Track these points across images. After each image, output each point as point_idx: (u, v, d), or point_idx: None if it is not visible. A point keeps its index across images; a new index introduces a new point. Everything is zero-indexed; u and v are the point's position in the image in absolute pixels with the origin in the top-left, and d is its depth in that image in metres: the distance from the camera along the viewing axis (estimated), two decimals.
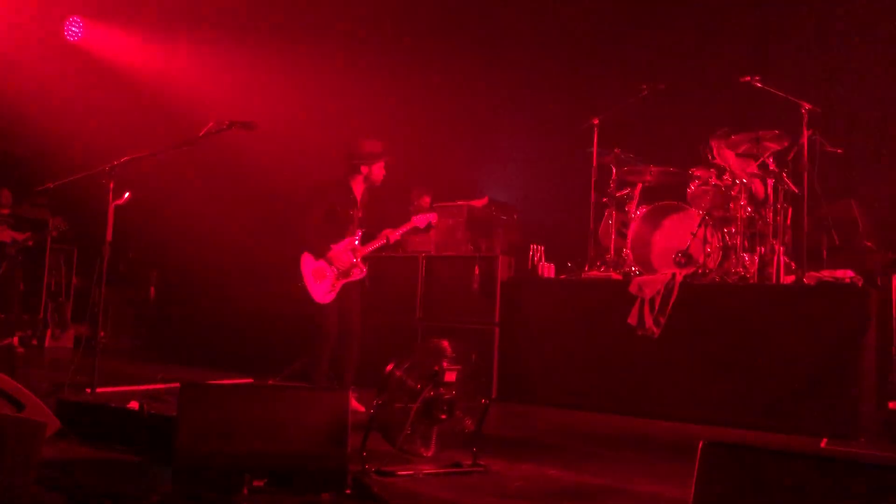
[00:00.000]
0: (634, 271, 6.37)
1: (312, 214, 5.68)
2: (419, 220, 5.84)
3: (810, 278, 5.70)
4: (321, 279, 5.59)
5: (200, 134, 5.17)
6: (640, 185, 6.87)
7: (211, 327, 8.87)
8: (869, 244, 6.29)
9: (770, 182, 6.25)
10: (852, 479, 2.40)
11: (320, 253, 5.58)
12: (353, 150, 5.77)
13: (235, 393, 3.58)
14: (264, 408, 3.45)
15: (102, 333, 9.13)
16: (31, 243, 8.71)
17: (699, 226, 6.13)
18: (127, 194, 5.26)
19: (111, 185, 5.18)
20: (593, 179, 6.95)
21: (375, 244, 5.76)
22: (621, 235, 6.73)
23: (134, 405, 4.27)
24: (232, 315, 8.66)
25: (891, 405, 5.25)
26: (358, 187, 5.79)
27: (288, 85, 8.83)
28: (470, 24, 8.88)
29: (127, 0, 9.08)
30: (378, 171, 5.77)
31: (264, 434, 3.38)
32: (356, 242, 5.73)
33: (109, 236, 5.21)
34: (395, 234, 5.80)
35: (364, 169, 5.72)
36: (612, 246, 6.77)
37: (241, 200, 9.03)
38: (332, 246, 5.61)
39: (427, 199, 7.67)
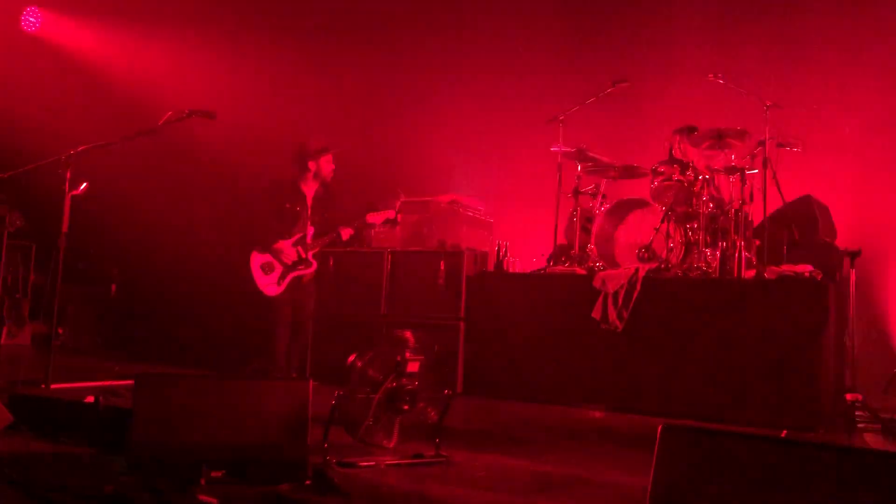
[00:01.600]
0: (598, 266, 6.40)
1: (261, 212, 5.97)
2: (373, 217, 6.09)
3: (771, 273, 5.78)
4: (269, 272, 5.80)
5: (160, 123, 5.10)
6: (604, 181, 6.90)
7: (173, 324, 8.75)
8: (827, 239, 6.39)
9: (732, 178, 6.32)
10: (810, 459, 2.43)
11: (266, 247, 5.76)
12: (300, 149, 6.00)
13: (192, 383, 3.51)
14: (222, 398, 3.40)
15: (61, 330, 8.98)
16: None
17: (662, 221, 6.18)
18: (84, 185, 5.17)
19: (68, 175, 5.09)
20: (558, 175, 6.98)
21: (326, 239, 5.98)
22: (585, 231, 6.76)
23: (90, 400, 4.19)
24: (194, 311, 8.56)
25: (848, 397, 5.35)
26: (308, 186, 6.04)
27: (250, 76, 8.75)
28: (435, 20, 8.87)
29: None
30: (325, 165, 6.02)
31: (222, 425, 3.33)
32: (305, 238, 5.88)
33: (66, 227, 5.11)
34: (346, 230, 6.03)
35: (312, 165, 5.98)
36: (576, 241, 6.80)
37: (203, 194, 8.92)
38: (278, 241, 5.80)
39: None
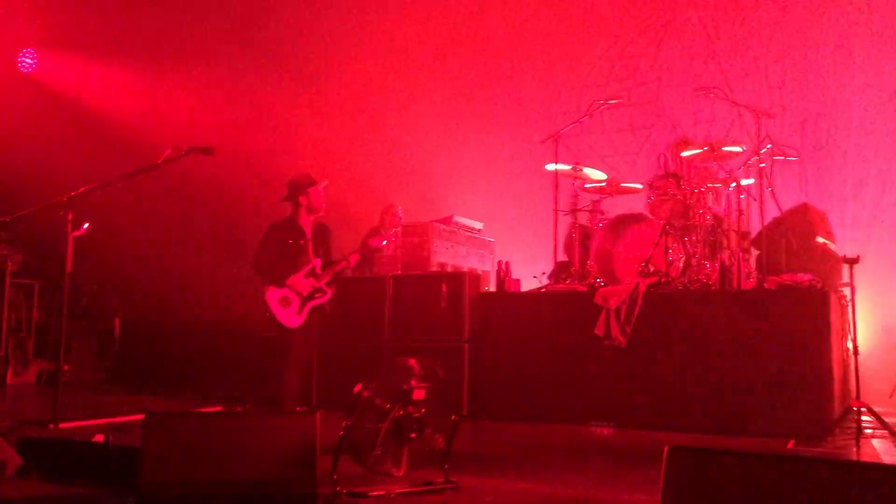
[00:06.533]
0: (599, 282, 6.42)
1: (265, 251, 6.06)
2: (374, 242, 6.19)
3: (771, 283, 5.80)
4: (288, 305, 5.91)
5: (159, 161, 5.15)
6: (601, 197, 6.95)
7: (177, 356, 8.76)
8: (826, 247, 6.41)
9: (728, 190, 6.36)
10: (817, 477, 2.44)
11: (280, 283, 5.91)
12: (290, 184, 6.18)
13: (200, 421, 3.53)
14: (230, 434, 3.41)
15: (66, 367, 8.98)
16: None
17: (660, 235, 6.21)
18: (86, 225, 5.20)
19: (70, 217, 5.12)
20: (555, 193, 7.02)
21: (336, 268, 6.10)
22: (585, 247, 6.80)
23: (99, 438, 4.20)
24: (198, 343, 8.57)
25: (854, 404, 5.35)
26: (304, 220, 6.14)
27: (247, 110, 8.82)
28: (431, 44, 8.96)
29: (81, 31, 9.01)
30: (315, 198, 6.15)
31: (231, 461, 3.34)
32: (315, 269, 6.02)
33: (69, 268, 5.14)
34: (354, 256, 6.17)
35: (303, 199, 6.10)
36: (576, 258, 6.83)
37: (202, 227, 8.97)
38: (290, 276, 5.92)
39: (394, 208, 7.75)
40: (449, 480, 3.84)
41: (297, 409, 5.65)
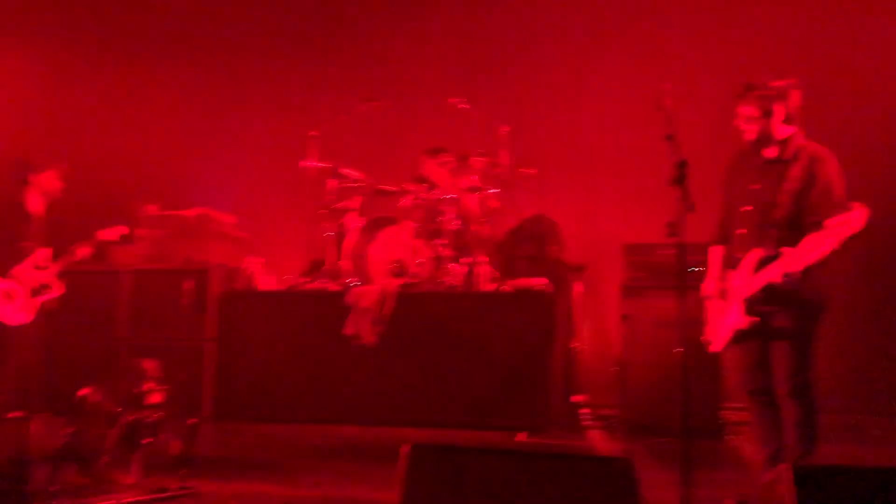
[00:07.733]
0: (351, 283, 6.48)
1: None
2: (104, 234, 5.71)
3: (508, 286, 6.22)
4: (12, 299, 5.31)
5: None
6: (357, 198, 7.01)
7: None
8: (557, 255, 6.98)
9: (475, 197, 6.71)
10: (542, 468, 2.65)
11: (2, 275, 5.27)
12: (19, 165, 5.60)
13: None
14: None
15: None
16: None
17: (412, 238, 6.42)
18: None
19: None
20: (314, 192, 6.98)
21: (66, 259, 5.56)
22: (339, 247, 6.82)
23: None
24: None
25: (575, 398, 5.90)
26: (34, 203, 5.56)
27: None
28: (183, 31, 8.56)
29: None
30: (49, 182, 5.61)
31: None
32: (46, 259, 5.44)
33: None
34: (81, 249, 5.64)
35: (34, 181, 5.53)
36: (330, 258, 6.83)
37: None
38: (14, 266, 5.34)
39: (152, 209, 7.22)
40: (185, 486, 3.68)
41: (11, 414, 5.09)
